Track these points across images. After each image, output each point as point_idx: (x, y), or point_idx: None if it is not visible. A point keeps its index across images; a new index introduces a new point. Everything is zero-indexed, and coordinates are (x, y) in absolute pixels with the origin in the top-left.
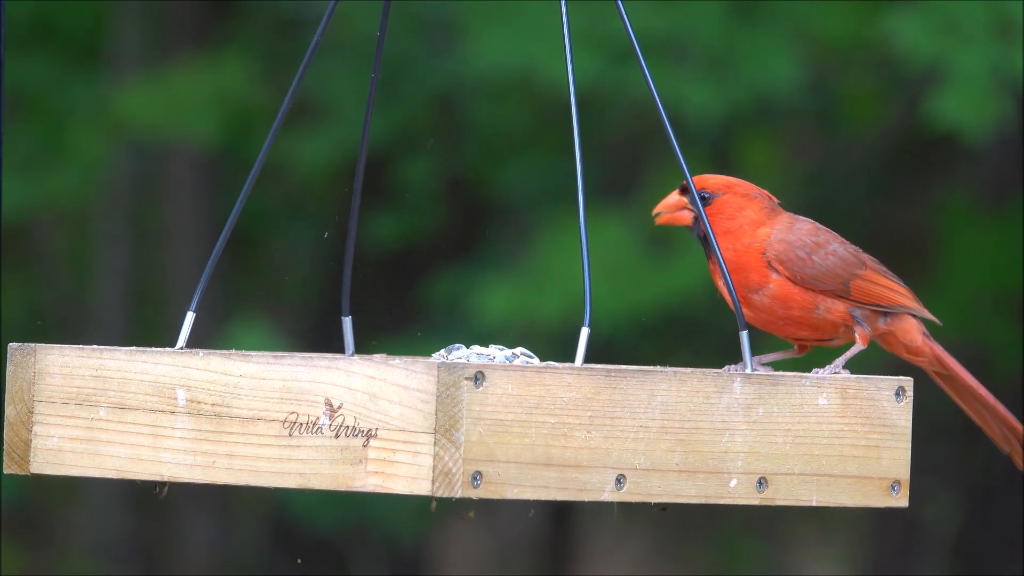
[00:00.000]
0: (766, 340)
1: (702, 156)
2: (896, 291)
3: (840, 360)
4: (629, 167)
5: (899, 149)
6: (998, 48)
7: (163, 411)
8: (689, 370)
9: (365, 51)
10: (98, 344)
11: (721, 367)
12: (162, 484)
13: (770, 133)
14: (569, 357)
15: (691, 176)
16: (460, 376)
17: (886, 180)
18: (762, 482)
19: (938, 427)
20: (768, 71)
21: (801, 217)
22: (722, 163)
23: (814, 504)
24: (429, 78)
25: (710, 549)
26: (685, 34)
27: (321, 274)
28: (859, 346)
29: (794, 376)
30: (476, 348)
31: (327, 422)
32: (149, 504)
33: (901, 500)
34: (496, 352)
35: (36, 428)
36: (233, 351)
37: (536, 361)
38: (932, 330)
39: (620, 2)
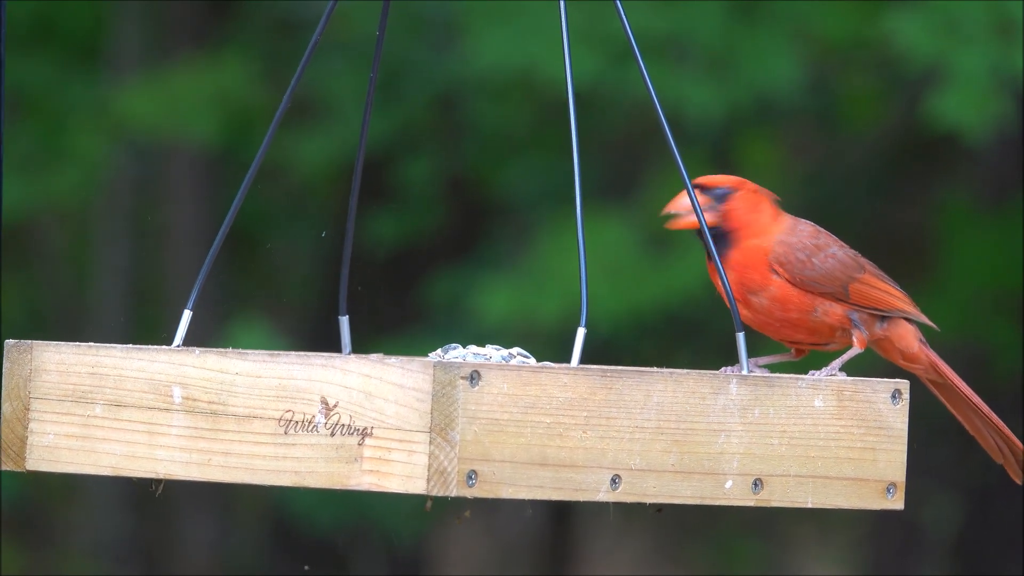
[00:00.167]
0: (763, 342)
1: (702, 156)
2: (894, 295)
3: (837, 363)
4: (629, 167)
5: (899, 149)
6: (998, 48)
7: (159, 409)
8: (685, 371)
9: (365, 51)
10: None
11: (721, 368)
12: (158, 482)
13: (770, 133)
14: (568, 358)
15: (690, 177)
16: (456, 375)
17: (886, 180)
18: (758, 483)
19: (937, 429)
20: (768, 71)
21: (802, 220)
22: (722, 163)
23: (809, 506)
24: (429, 78)
25: (709, 549)
26: (685, 34)
27: (321, 274)
28: (856, 349)
29: (790, 378)
30: (473, 348)
31: (323, 420)
32: (149, 504)
33: (897, 503)
34: (492, 352)
35: (32, 425)
36: (230, 349)
37: (532, 361)
38: (929, 337)
39: (619, 2)
